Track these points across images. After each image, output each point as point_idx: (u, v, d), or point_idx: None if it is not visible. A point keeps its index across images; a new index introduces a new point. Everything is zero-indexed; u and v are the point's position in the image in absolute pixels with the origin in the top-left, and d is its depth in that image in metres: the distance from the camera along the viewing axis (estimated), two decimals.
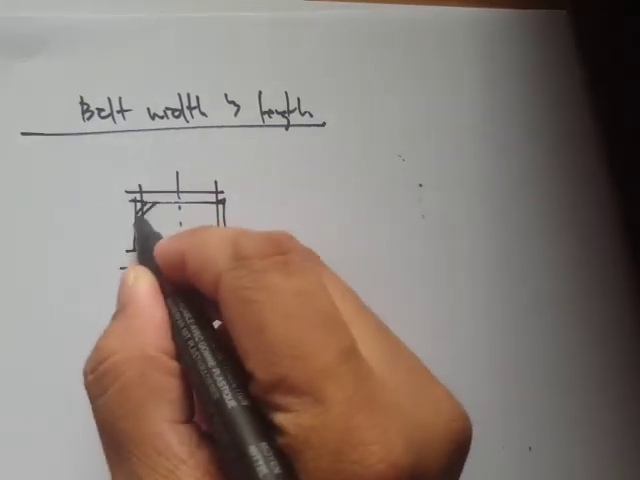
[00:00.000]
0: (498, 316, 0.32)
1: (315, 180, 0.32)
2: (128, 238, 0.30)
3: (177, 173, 0.31)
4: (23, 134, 0.30)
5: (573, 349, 0.32)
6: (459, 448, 0.21)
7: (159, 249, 0.25)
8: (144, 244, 0.28)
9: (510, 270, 0.33)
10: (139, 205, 0.30)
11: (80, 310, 0.29)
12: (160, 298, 0.23)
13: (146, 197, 0.30)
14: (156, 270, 0.24)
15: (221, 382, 0.20)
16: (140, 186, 0.30)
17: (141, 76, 0.31)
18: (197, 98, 0.31)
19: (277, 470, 0.18)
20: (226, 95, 0.32)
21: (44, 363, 0.28)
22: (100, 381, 0.21)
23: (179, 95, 0.31)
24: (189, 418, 0.21)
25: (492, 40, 0.34)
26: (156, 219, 0.30)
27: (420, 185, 0.32)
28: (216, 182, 0.31)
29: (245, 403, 0.19)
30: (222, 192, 0.31)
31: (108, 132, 0.30)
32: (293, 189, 0.31)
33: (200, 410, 0.21)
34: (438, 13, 0.34)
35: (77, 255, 0.29)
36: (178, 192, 0.31)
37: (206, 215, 0.31)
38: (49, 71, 0.30)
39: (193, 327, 0.22)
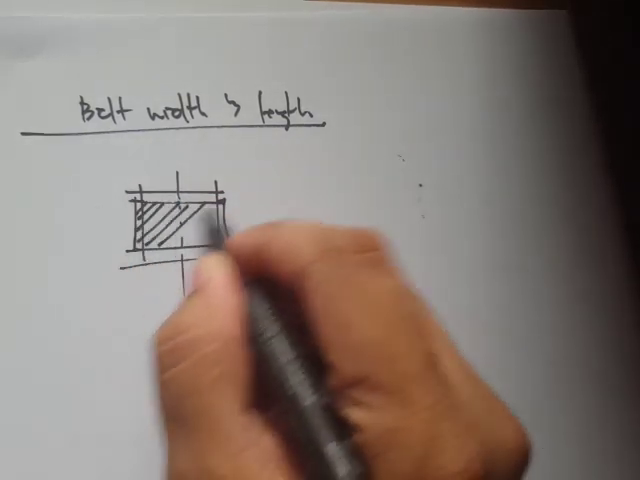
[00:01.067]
0: (498, 316, 0.32)
1: (315, 180, 0.32)
2: (128, 238, 0.30)
3: (177, 173, 0.31)
4: (23, 134, 0.30)
5: (573, 349, 0.32)
6: (524, 463, 0.21)
7: (240, 237, 0.24)
8: (217, 236, 0.27)
9: (510, 269, 0.33)
10: (139, 205, 0.30)
11: (80, 310, 0.29)
12: (237, 285, 0.23)
13: (146, 197, 0.30)
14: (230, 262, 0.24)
15: (296, 378, 0.20)
16: (140, 186, 0.30)
17: (141, 76, 0.31)
18: (197, 98, 0.31)
19: (359, 469, 0.18)
20: (226, 95, 0.32)
21: (44, 363, 0.28)
22: (174, 352, 0.21)
23: (179, 95, 0.31)
24: (252, 404, 0.21)
25: (492, 40, 0.34)
26: (156, 219, 0.30)
27: (420, 185, 0.32)
28: (216, 182, 0.31)
29: (321, 400, 0.19)
30: (222, 192, 0.31)
31: (108, 132, 0.30)
32: (293, 189, 0.31)
33: (261, 397, 0.21)
34: (438, 13, 0.34)
35: (77, 255, 0.29)
36: (178, 192, 0.31)
37: None
38: (49, 71, 0.30)
39: (269, 319, 0.22)
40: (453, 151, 0.33)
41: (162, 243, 0.30)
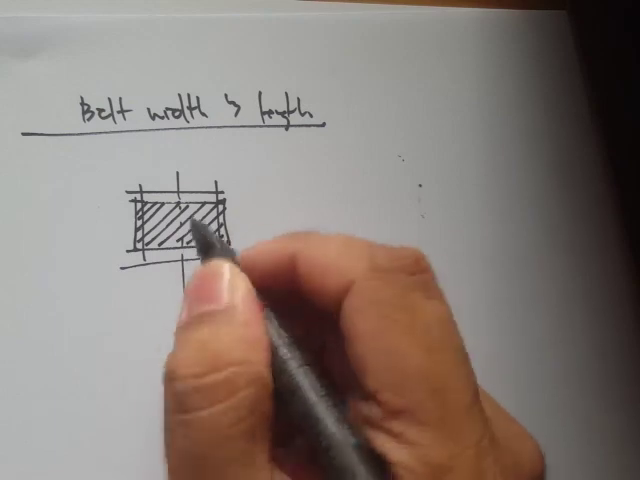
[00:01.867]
0: (498, 316, 0.32)
1: (315, 180, 0.32)
2: (128, 238, 0.30)
3: (177, 173, 0.31)
4: (23, 134, 0.30)
5: (573, 349, 0.32)
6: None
7: (258, 249, 0.21)
8: (211, 249, 0.23)
9: (510, 270, 0.33)
10: (139, 205, 0.30)
11: (80, 310, 0.29)
12: (259, 308, 0.20)
13: (146, 197, 0.30)
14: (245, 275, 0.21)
15: (327, 416, 0.18)
16: (140, 186, 0.30)
17: (141, 76, 0.31)
18: (197, 98, 0.31)
19: None
20: (226, 95, 0.32)
21: (44, 363, 0.28)
22: (210, 391, 0.18)
23: (179, 95, 0.31)
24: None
25: (492, 40, 0.34)
26: (156, 219, 0.30)
27: (420, 185, 0.32)
28: (216, 182, 0.31)
29: (355, 439, 0.18)
30: (222, 192, 0.31)
31: (108, 132, 0.30)
32: (293, 189, 0.31)
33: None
34: (438, 13, 0.34)
35: (77, 255, 0.29)
36: (178, 192, 0.31)
37: (206, 215, 0.31)
38: (49, 71, 0.30)
39: (292, 347, 0.19)
40: (453, 151, 0.33)
41: (162, 243, 0.30)
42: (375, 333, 0.18)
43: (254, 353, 0.19)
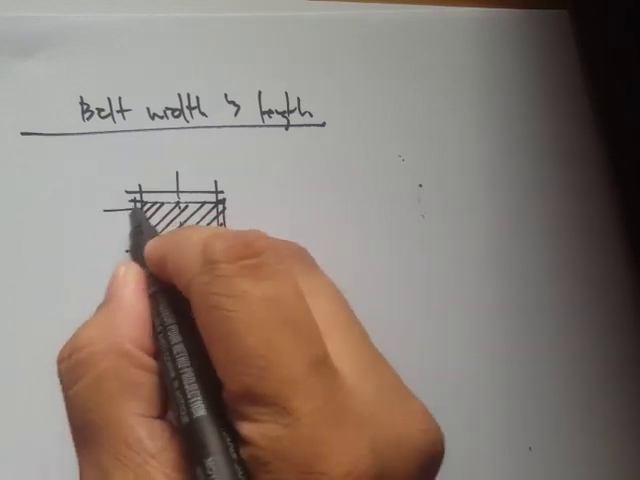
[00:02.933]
0: (499, 316, 0.32)
1: (315, 180, 0.32)
2: (128, 238, 0.30)
3: (177, 173, 0.31)
4: (23, 134, 0.30)
5: (574, 349, 0.32)
6: (430, 459, 0.21)
7: (148, 248, 0.24)
8: (138, 237, 0.27)
9: (511, 270, 0.33)
10: (139, 205, 0.30)
11: (79, 310, 0.29)
12: (145, 294, 0.23)
13: (146, 197, 0.30)
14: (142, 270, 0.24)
15: (183, 392, 0.20)
16: (140, 186, 0.30)
17: (141, 76, 0.31)
18: (197, 98, 0.31)
19: None
20: (226, 95, 0.32)
21: (44, 363, 0.28)
22: (74, 369, 0.21)
23: (179, 95, 0.31)
24: (162, 414, 0.21)
25: (492, 40, 0.34)
26: (156, 219, 0.30)
27: (420, 185, 0.32)
28: (216, 182, 0.31)
29: (202, 414, 0.19)
30: (222, 192, 0.31)
31: (108, 132, 0.30)
32: (293, 189, 0.31)
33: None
34: (438, 13, 0.34)
35: (77, 255, 0.29)
36: (178, 192, 0.31)
37: (206, 215, 0.31)
38: (49, 71, 0.30)
39: (169, 330, 0.22)
40: (453, 151, 0.33)
41: None
42: (210, 325, 0.20)
43: (115, 330, 0.22)
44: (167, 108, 0.31)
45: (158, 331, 0.22)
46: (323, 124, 0.32)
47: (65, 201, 0.30)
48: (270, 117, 0.32)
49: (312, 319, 0.20)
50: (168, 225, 0.30)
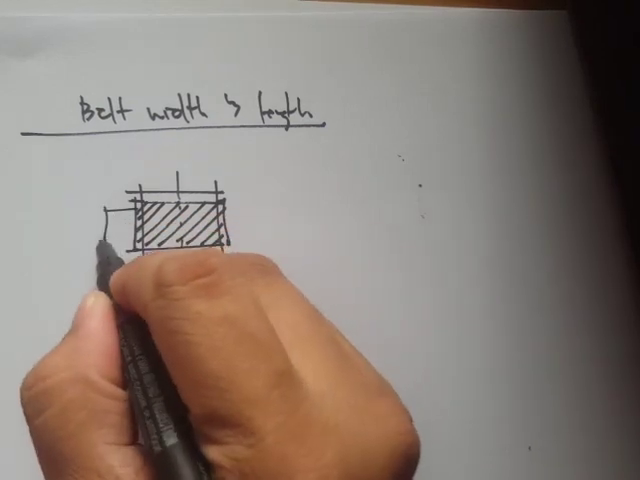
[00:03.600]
0: (498, 316, 0.32)
1: (315, 180, 0.32)
2: (128, 238, 0.30)
3: (177, 173, 0.31)
4: (23, 134, 0.30)
5: (574, 349, 0.32)
6: (405, 462, 0.20)
7: (112, 279, 0.24)
8: (105, 269, 0.27)
9: (510, 270, 0.33)
10: (139, 205, 0.30)
11: None
12: (113, 325, 0.23)
13: (146, 197, 0.30)
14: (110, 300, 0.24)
15: (150, 426, 0.20)
16: (140, 186, 0.30)
17: (141, 76, 0.31)
18: (197, 98, 0.31)
19: None
20: (226, 95, 0.32)
21: None
22: (39, 398, 0.21)
23: (179, 95, 0.31)
24: (132, 440, 0.21)
25: (492, 40, 0.34)
26: (156, 219, 0.30)
27: (420, 185, 0.32)
28: (216, 182, 0.31)
29: (172, 442, 0.19)
30: (222, 192, 0.31)
31: (108, 132, 0.30)
32: (293, 189, 0.31)
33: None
34: (438, 13, 0.34)
35: (77, 255, 0.29)
36: (178, 192, 0.31)
37: (206, 215, 0.31)
38: (49, 71, 0.30)
39: (138, 360, 0.21)
40: (453, 151, 0.33)
41: (162, 243, 0.30)
42: (169, 350, 0.19)
43: (82, 359, 0.21)
44: (167, 108, 0.31)
45: (127, 361, 0.22)
46: (323, 124, 0.32)
47: (65, 201, 0.30)
48: (270, 117, 0.32)
49: (272, 332, 0.20)
50: (168, 225, 0.30)
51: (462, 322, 0.32)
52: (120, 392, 0.21)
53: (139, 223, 0.30)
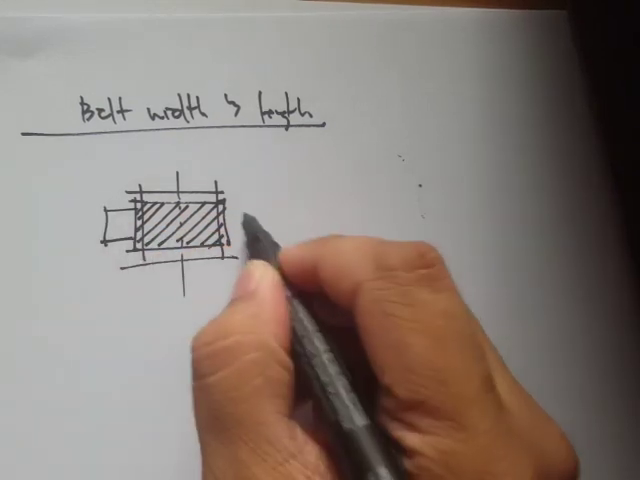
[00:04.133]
0: (498, 316, 0.32)
1: (315, 180, 0.32)
2: (128, 239, 0.30)
3: (177, 173, 0.31)
4: (23, 134, 0.30)
5: (574, 349, 0.32)
6: None
7: (287, 255, 0.24)
8: (256, 244, 0.28)
9: (510, 270, 0.33)
10: (139, 205, 0.30)
11: (81, 310, 0.29)
12: (283, 297, 0.23)
13: (146, 197, 0.30)
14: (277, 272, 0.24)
15: (336, 402, 0.20)
16: (140, 186, 0.30)
17: (141, 76, 0.31)
18: (197, 98, 0.31)
19: None
20: (226, 95, 0.32)
21: (44, 363, 0.28)
22: (216, 357, 0.20)
23: (179, 95, 0.31)
24: (292, 415, 0.21)
25: (492, 40, 0.34)
26: (156, 219, 0.30)
27: (420, 185, 0.32)
28: (216, 182, 0.31)
29: (363, 423, 0.19)
30: (222, 192, 0.31)
31: (108, 132, 0.30)
32: (293, 189, 0.31)
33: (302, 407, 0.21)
34: (438, 13, 0.34)
35: (77, 255, 0.29)
36: (178, 192, 0.31)
37: (206, 215, 0.31)
38: (49, 71, 0.30)
39: (315, 336, 0.21)
40: (453, 151, 0.33)
41: (162, 243, 0.30)
42: (382, 331, 0.19)
43: (261, 325, 0.21)
44: (167, 108, 0.31)
45: (300, 335, 0.22)
46: (323, 124, 0.32)
47: (65, 201, 0.30)
48: (270, 117, 0.32)
49: (479, 336, 0.20)
50: (168, 225, 0.30)
51: None
52: (291, 364, 0.21)
53: (139, 223, 0.30)
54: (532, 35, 0.34)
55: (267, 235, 0.28)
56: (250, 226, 0.29)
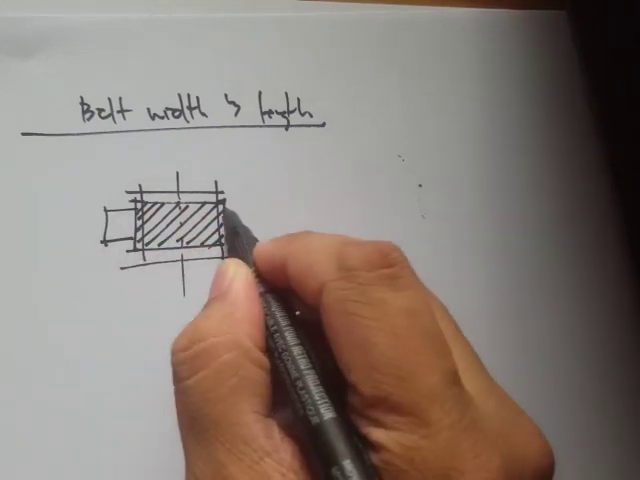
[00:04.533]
0: (498, 316, 0.32)
1: (315, 180, 0.32)
2: (128, 239, 0.30)
3: (177, 173, 0.31)
4: (23, 134, 0.30)
5: (574, 349, 0.32)
6: (548, 478, 0.21)
7: (259, 251, 0.24)
8: (234, 239, 0.28)
9: (510, 270, 0.33)
10: (139, 205, 0.30)
11: (81, 310, 0.29)
12: (256, 294, 0.23)
13: (146, 197, 0.30)
14: (250, 267, 0.25)
15: (305, 396, 0.20)
16: (140, 186, 0.30)
17: (141, 76, 0.31)
18: (197, 98, 0.31)
19: None
20: (226, 95, 0.32)
21: (44, 363, 0.28)
22: (194, 360, 0.21)
23: (179, 95, 0.31)
24: (270, 413, 0.21)
25: (492, 40, 0.34)
26: (156, 219, 0.30)
27: (420, 185, 0.32)
28: (216, 182, 0.31)
29: (330, 416, 0.19)
30: (222, 192, 0.31)
31: (108, 132, 0.30)
32: (293, 189, 0.31)
33: (279, 405, 0.21)
34: (438, 13, 0.34)
35: (78, 255, 0.29)
36: (178, 192, 0.31)
37: (206, 215, 0.31)
38: (49, 71, 0.30)
39: (286, 331, 0.22)
40: (453, 151, 0.33)
41: (162, 243, 0.30)
42: (345, 330, 0.20)
43: (235, 325, 0.21)
44: (167, 108, 0.31)
45: (272, 330, 0.22)
46: (323, 124, 0.32)
47: (65, 201, 0.30)
48: (270, 117, 0.32)
49: (442, 332, 0.20)
50: (168, 225, 0.30)
51: (461, 322, 0.32)
52: (267, 362, 0.21)
53: (139, 223, 0.30)
54: (532, 35, 0.34)
55: (246, 230, 0.28)
56: (230, 220, 0.29)
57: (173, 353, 0.22)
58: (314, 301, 0.21)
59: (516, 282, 0.32)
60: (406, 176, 0.32)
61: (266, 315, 0.23)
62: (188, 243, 0.30)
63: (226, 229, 0.30)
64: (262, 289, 0.24)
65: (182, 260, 0.30)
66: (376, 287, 0.20)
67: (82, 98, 0.30)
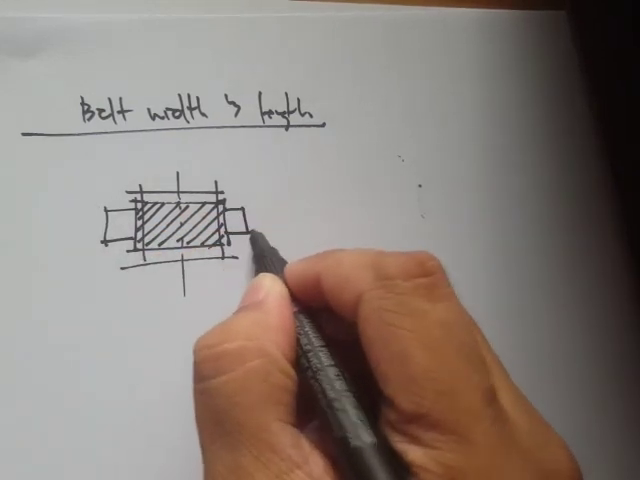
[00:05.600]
0: (498, 316, 0.32)
1: (315, 180, 0.32)
2: (128, 239, 0.30)
3: (177, 173, 0.31)
4: (24, 134, 0.30)
5: (574, 349, 0.32)
6: None
7: (290, 270, 0.24)
8: (263, 260, 0.28)
9: (510, 270, 0.33)
10: (139, 205, 0.30)
11: (81, 310, 0.29)
12: (291, 310, 0.23)
13: (146, 197, 0.30)
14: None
15: (343, 418, 0.19)
16: (140, 186, 0.30)
17: (141, 76, 0.31)
18: (197, 98, 0.31)
19: None
20: (226, 95, 0.32)
21: (44, 362, 0.28)
22: (219, 360, 0.20)
23: (179, 95, 0.31)
24: (297, 424, 0.20)
25: (492, 40, 0.34)
26: (157, 219, 0.30)
27: (420, 185, 0.32)
28: (216, 182, 0.31)
29: (370, 440, 0.19)
30: (222, 192, 0.31)
31: (109, 132, 0.30)
32: (293, 189, 0.31)
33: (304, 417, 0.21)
34: (438, 14, 0.34)
35: (78, 255, 0.29)
36: (178, 192, 0.31)
37: (206, 215, 0.31)
38: (49, 71, 0.30)
39: (320, 351, 0.22)
40: (453, 151, 0.33)
41: (162, 243, 0.30)
42: (383, 341, 0.19)
43: (266, 333, 0.21)
44: (168, 108, 0.31)
45: (306, 349, 0.22)
46: (323, 124, 0.32)
47: (65, 201, 0.30)
48: (270, 117, 0.32)
49: (479, 346, 0.20)
50: (168, 225, 0.30)
51: None
52: (294, 375, 0.21)
53: (139, 223, 0.30)
54: (532, 35, 0.34)
55: (274, 252, 0.29)
56: (257, 243, 0.30)
57: (197, 350, 0.21)
58: (350, 314, 0.21)
59: (516, 282, 0.33)
60: (406, 176, 0.32)
61: (299, 334, 0.22)
62: (188, 243, 0.30)
63: (254, 251, 0.30)
64: (296, 308, 0.23)
65: (182, 260, 0.30)
66: (413, 297, 0.19)
67: (82, 98, 0.30)
